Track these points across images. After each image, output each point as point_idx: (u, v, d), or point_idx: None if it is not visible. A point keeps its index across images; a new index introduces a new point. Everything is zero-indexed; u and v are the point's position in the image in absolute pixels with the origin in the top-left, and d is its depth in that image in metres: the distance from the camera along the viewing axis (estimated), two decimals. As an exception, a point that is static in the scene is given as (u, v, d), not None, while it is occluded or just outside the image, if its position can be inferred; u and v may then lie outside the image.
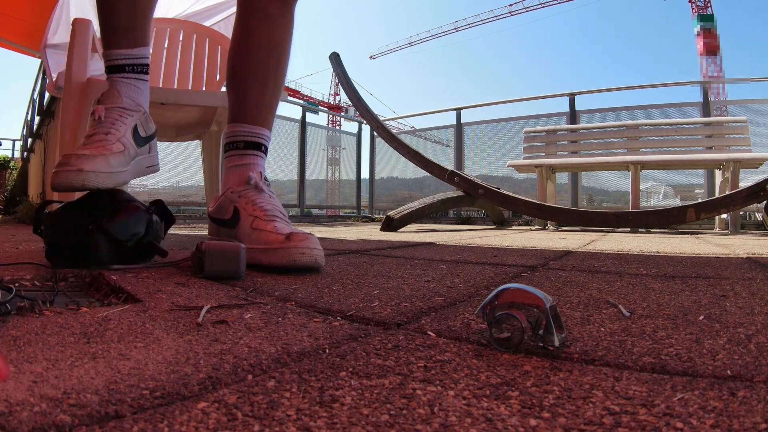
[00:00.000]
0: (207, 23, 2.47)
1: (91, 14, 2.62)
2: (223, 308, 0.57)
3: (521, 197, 3.28)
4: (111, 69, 1.05)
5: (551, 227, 3.67)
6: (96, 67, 1.57)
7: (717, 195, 3.32)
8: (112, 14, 1.04)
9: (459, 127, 5.47)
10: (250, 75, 1.08)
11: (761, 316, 0.55)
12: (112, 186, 0.90)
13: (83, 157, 0.85)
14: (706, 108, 4.21)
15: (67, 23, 2.53)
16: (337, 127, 12.17)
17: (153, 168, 1.10)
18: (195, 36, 1.98)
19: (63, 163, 0.83)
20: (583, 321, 0.53)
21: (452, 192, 3.43)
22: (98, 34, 1.63)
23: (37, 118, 5.41)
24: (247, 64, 1.09)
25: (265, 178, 1.06)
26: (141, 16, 1.06)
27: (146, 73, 1.10)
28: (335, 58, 3.74)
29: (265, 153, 1.09)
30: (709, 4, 31.19)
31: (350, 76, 3.75)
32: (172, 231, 2.58)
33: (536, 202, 3.25)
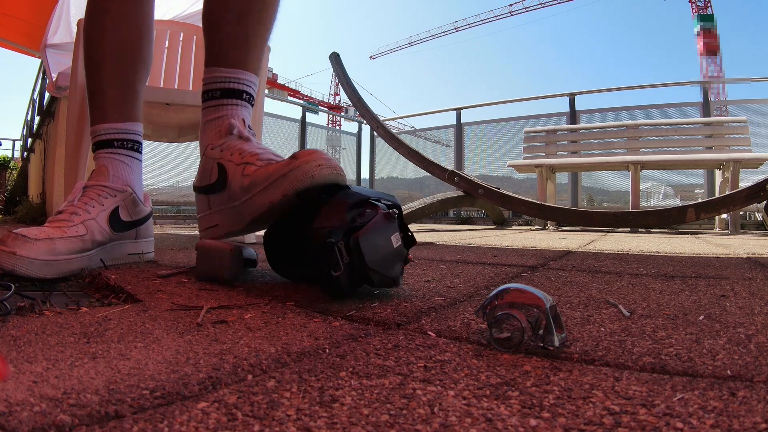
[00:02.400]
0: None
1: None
2: (223, 308, 0.57)
3: (521, 197, 3.28)
4: (98, 145, 0.96)
5: (551, 227, 3.67)
6: None
7: (717, 195, 3.32)
8: (100, 86, 0.97)
9: (459, 127, 5.47)
10: (226, 8, 0.90)
11: (761, 316, 0.55)
12: (55, 275, 0.76)
13: (22, 239, 0.74)
14: (706, 108, 4.21)
15: (67, 23, 2.53)
16: (337, 127, 12.17)
17: (140, 257, 0.98)
18: (195, 38, 1.98)
19: (2, 241, 0.74)
20: (583, 321, 0.53)
21: (452, 192, 3.43)
22: None
23: (37, 118, 5.42)
24: None
25: (250, 127, 0.88)
26: (129, 89, 0.99)
27: (138, 151, 1.00)
28: (335, 58, 3.74)
29: (250, 102, 0.92)
30: (709, 4, 31.19)
31: (350, 76, 3.76)
32: (172, 231, 2.58)
33: (536, 202, 3.25)
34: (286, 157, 0.74)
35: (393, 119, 10.54)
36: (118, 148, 0.96)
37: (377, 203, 0.67)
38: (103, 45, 0.97)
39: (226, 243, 0.76)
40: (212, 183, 0.83)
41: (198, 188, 0.88)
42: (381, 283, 0.63)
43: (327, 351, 0.41)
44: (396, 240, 0.66)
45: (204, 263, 0.76)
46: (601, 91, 4.82)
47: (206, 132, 0.88)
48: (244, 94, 0.89)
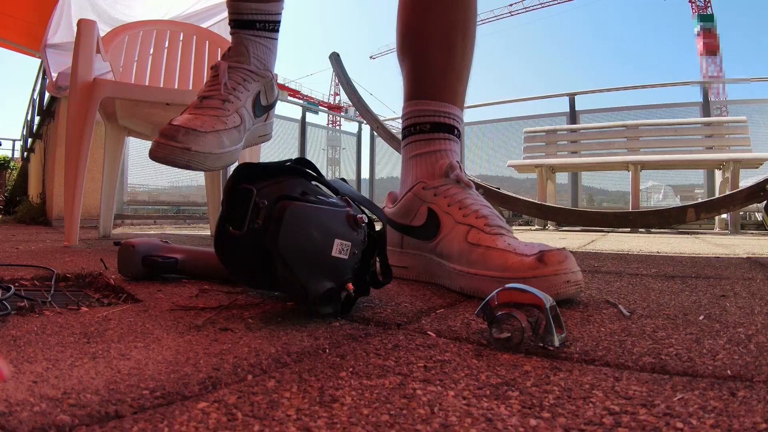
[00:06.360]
0: (206, 24, 2.47)
1: (91, 14, 2.62)
2: (223, 308, 0.57)
3: (521, 197, 3.28)
4: (238, 24, 0.90)
5: (551, 227, 3.67)
6: (99, 66, 1.57)
7: (717, 195, 3.32)
8: None
9: (459, 127, 5.46)
10: (432, 36, 0.81)
11: (761, 316, 0.55)
12: (220, 167, 0.79)
13: (193, 133, 0.72)
14: (706, 108, 4.21)
15: (67, 23, 2.54)
16: (337, 127, 12.16)
17: (265, 137, 0.99)
18: (195, 38, 1.98)
19: (169, 136, 0.71)
20: (583, 321, 0.53)
21: (452, 192, 3.42)
22: (101, 35, 1.63)
23: (37, 118, 5.42)
24: (426, 22, 0.82)
25: (461, 167, 0.79)
26: None
27: (277, 31, 0.95)
28: (335, 58, 3.73)
29: (459, 138, 0.83)
30: (709, 4, 31.18)
31: (350, 76, 3.75)
32: (172, 231, 2.58)
33: (536, 202, 3.25)
34: (525, 246, 0.64)
35: (393, 119, 10.52)
36: (259, 30, 0.92)
37: (352, 203, 0.57)
38: None
39: (134, 240, 0.73)
40: (415, 226, 0.75)
41: (394, 223, 0.78)
42: (286, 287, 0.50)
43: (327, 351, 0.41)
44: (342, 251, 0.51)
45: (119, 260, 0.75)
46: (601, 91, 4.82)
47: (414, 168, 0.79)
48: (455, 130, 0.81)
